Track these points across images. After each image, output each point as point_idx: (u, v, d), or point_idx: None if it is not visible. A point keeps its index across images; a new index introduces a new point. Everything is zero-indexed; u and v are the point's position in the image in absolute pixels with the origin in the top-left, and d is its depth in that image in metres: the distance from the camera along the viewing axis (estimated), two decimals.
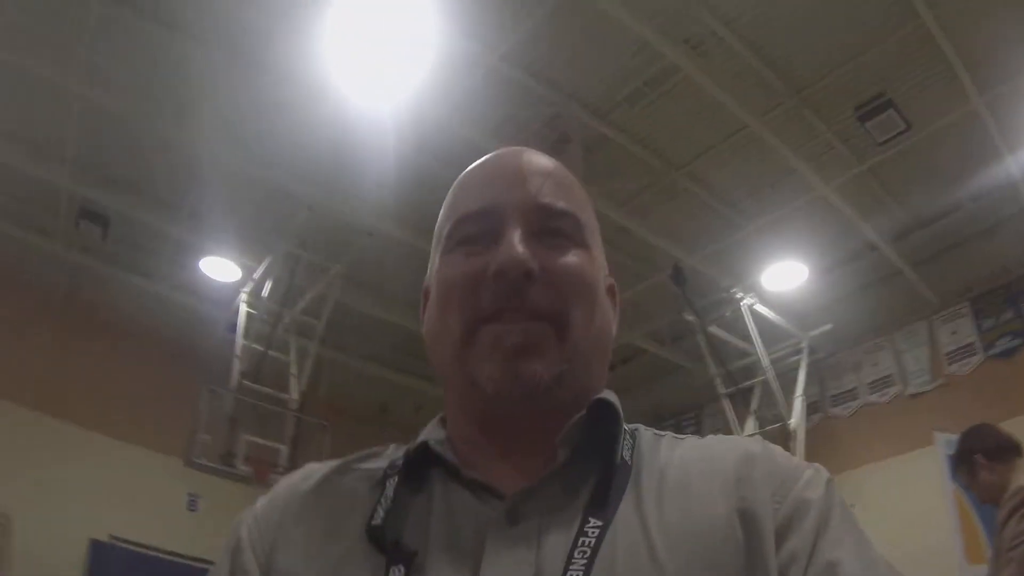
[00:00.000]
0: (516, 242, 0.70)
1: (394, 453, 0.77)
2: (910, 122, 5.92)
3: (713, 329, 8.29)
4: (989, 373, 7.76)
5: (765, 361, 8.47)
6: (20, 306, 8.80)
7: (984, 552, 2.98)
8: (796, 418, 8.80)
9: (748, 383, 8.93)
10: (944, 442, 4.50)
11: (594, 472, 0.69)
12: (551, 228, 0.74)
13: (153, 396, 9.85)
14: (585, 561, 0.61)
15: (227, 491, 9.92)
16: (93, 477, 10.13)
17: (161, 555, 10.21)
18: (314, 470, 0.77)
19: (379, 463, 0.76)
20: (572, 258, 0.74)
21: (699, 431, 10.44)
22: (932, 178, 6.59)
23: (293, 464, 9.42)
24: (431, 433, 0.74)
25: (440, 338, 0.74)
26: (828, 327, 8.45)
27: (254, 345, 7.47)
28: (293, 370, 7.79)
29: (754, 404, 8.95)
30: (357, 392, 8.81)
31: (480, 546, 0.64)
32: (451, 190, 0.81)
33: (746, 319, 8.04)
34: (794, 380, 8.92)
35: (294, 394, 7.83)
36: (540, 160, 0.81)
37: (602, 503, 0.66)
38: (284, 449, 8.33)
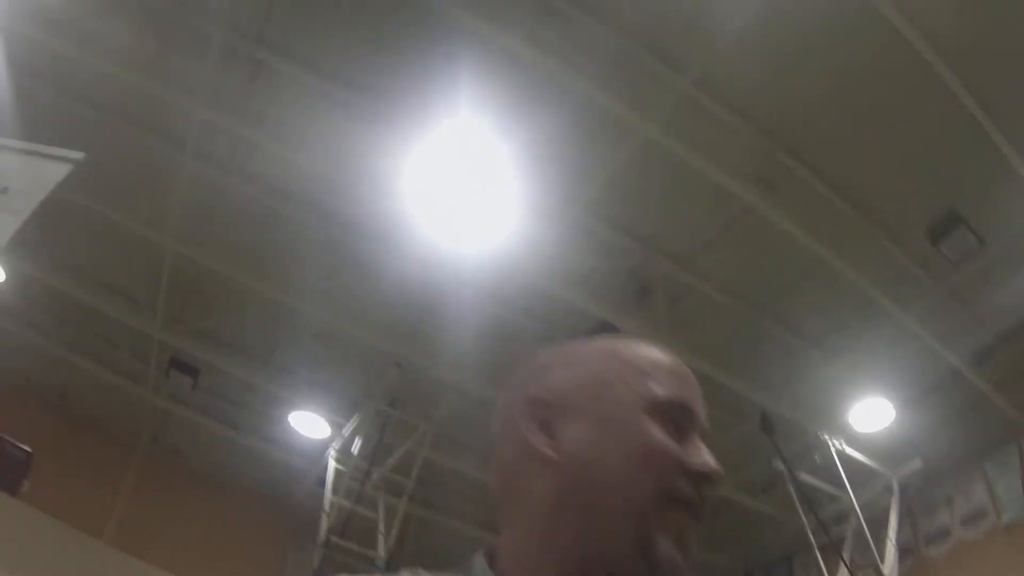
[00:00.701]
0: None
1: None
2: (982, 237, 5.86)
3: (803, 476, 8.13)
4: None
5: (856, 505, 8.24)
6: (108, 447, 9.00)
7: None
8: (889, 566, 8.49)
9: (839, 531, 8.70)
10: None
11: None
12: None
13: (236, 545, 9.78)
14: None
15: None
16: None
17: None
18: None
19: None
20: None
21: (790, 571, 10.18)
22: (1010, 290, 6.39)
23: None
24: None
25: (619, 487, 0.72)
26: (918, 465, 8.23)
27: (342, 501, 7.50)
28: (381, 528, 7.77)
29: (846, 552, 8.67)
30: (444, 550, 8.74)
31: None
32: (638, 358, 0.80)
33: (836, 463, 7.87)
34: (885, 521, 8.68)
35: (381, 551, 7.76)
36: None
37: None
38: None
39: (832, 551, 8.57)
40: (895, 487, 8.66)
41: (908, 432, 7.98)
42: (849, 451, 8.00)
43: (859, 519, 8.31)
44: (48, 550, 8.70)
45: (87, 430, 8.84)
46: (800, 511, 8.38)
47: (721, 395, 7.28)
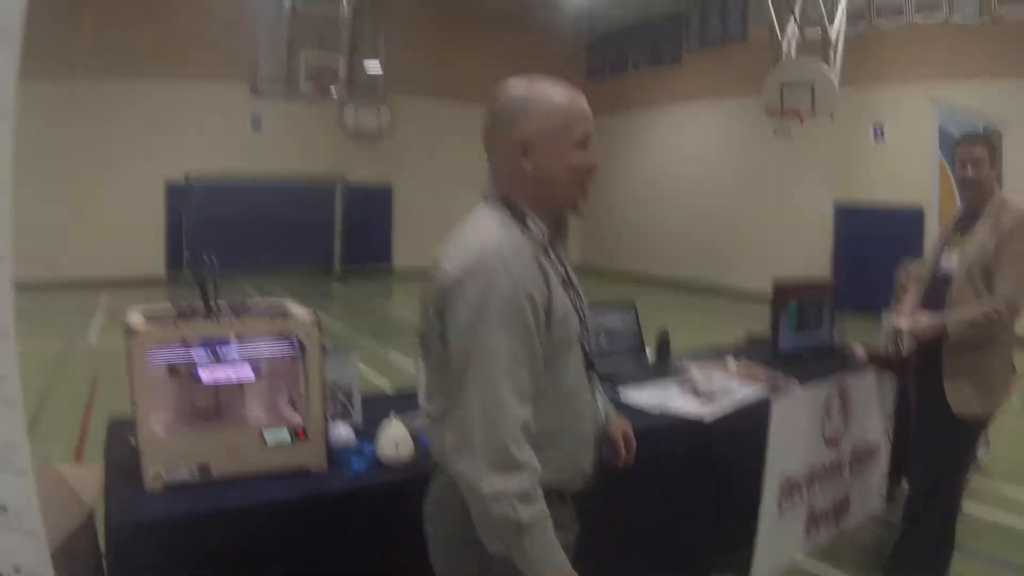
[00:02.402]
0: None
1: (530, 227, 1.41)
2: None
3: None
4: None
5: None
6: None
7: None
8: (838, 24, 8.79)
9: None
10: (938, 113, 4.61)
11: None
12: None
13: (209, 34, 10.13)
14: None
15: (286, 109, 10.81)
16: (162, 123, 10.70)
17: (232, 182, 11.06)
18: (522, 258, 1.33)
19: (528, 242, 1.38)
20: None
21: (744, 13, 10.90)
22: None
23: (351, 72, 9.76)
24: (537, 227, 1.41)
25: (564, 185, 1.39)
26: None
27: None
28: None
29: (797, 7, 8.94)
30: None
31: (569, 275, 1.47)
32: (564, 103, 1.38)
33: None
34: None
35: (344, 2, 8.00)
36: None
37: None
38: (341, 57, 8.69)
39: (783, 2, 8.88)
40: None
41: None
42: None
43: None
44: None
45: None
46: None
47: None
